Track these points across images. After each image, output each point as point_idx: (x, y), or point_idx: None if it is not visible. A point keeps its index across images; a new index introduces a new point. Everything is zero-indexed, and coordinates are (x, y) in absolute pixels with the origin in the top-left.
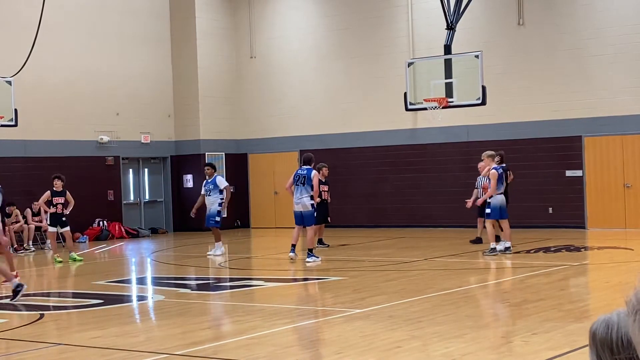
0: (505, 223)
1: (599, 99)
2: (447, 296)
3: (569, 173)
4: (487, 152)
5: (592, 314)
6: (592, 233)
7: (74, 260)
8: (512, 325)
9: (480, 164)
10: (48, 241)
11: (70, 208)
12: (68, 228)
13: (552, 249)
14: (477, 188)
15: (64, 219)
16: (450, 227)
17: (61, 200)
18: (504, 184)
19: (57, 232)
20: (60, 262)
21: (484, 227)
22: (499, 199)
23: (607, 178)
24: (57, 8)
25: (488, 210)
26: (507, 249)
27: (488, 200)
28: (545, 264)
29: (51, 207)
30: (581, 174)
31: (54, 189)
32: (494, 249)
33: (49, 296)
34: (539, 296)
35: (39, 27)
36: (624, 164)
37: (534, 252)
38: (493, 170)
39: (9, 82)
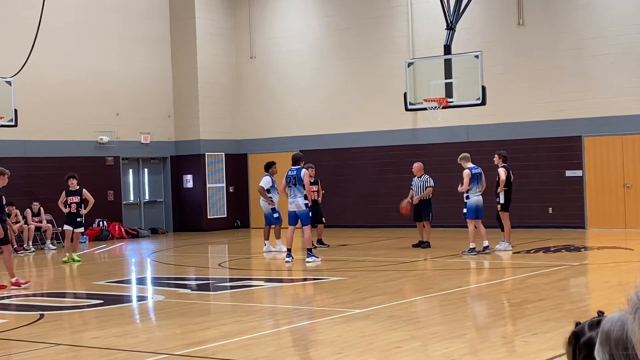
0: (479, 224)
1: (599, 99)
2: (447, 296)
3: (569, 173)
4: (463, 154)
5: (592, 314)
6: (592, 233)
7: (73, 260)
8: (512, 325)
9: (415, 165)
10: (48, 241)
11: (90, 207)
12: (81, 229)
13: (552, 249)
14: (412, 189)
15: (79, 219)
16: (450, 227)
17: (76, 199)
18: (479, 184)
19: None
20: (67, 262)
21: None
22: (475, 200)
23: (607, 178)
24: (57, 8)
25: (465, 210)
26: (485, 248)
27: (465, 200)
28: (545, 264)
29: (66, 207)
30: (581, 174)
31: (69, 188)
32: (472, 249)
33: (49, 296)
34: (539, 296)
35: (39, 27)
36: (624, 164)
37: (534, 252)
38: (466, 171)
39: (9, 82)
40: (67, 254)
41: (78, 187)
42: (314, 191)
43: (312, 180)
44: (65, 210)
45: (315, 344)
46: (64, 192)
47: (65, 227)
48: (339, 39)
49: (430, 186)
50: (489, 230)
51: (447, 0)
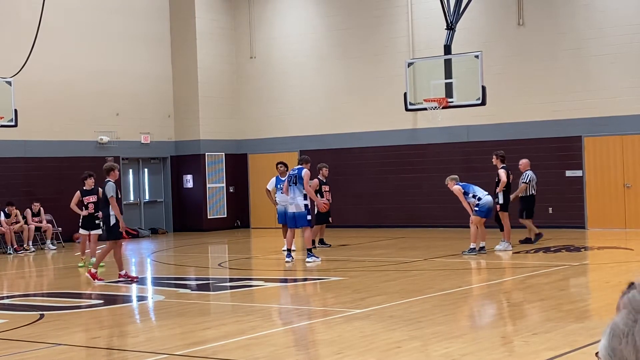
0: (482, 224)
1: (599, 99)
2: (447, 296)
3: (569, 173)
4: (450, 176)
5: (592, 314)
6: (592, 233)
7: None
8: (512, 325)
9: (522, 161)
10: (48, 241)
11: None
12: (99, 231)
13: (552, 249)
14: (526, 182)
15: (97, 221)
16: (450, 227)
17: (93, 199)
18: (476, 188)
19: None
20: (82, 266)
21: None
22: (487, 201)
23: (607, 178)
24: (57, 8)
25: (477, 209)
26: (481, 248)
27: (477, 202)
28: (545, 264)
29: (82, 208)
30: (581, 174)
31: (85, 188)
32: (473, 249)
33: (49, 296)
34: (539, 296)
35: (39, 27)
36: (624, 164)
37: (534, 252)
38: (456, 186)
39: (9, 82)
40: (83, 257)
41: (94, 187)
42: (326, 191)
43: (324, 181)
44: (83, 213)
45: (315, 344)
46: (77, 192)
47: (81, 231)
48: (339, 39)
49: (523, 182)
50: (488, 231)
51: (447, 0)
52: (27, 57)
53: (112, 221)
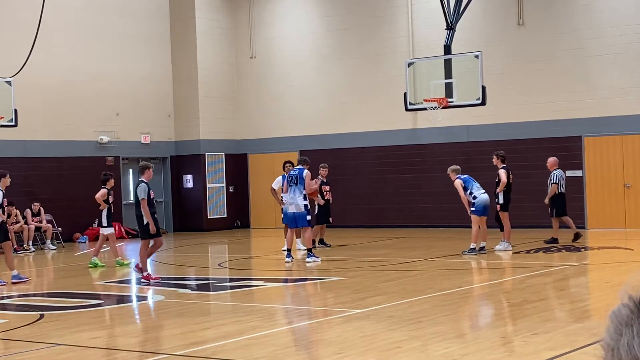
0: (483, 223)
1: (599, 99)
2: (447, 296)
3: (569, 173)
4: (451, 166)
5: (592, 314)
6: (592, 233)
7: (121, 264)
8: (512, 325)
9: (550, 160)
10: (48, 241)
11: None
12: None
13: (552, 249)
14: (555, 182)
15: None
16: (450, 227)
17: (112, 198)
18: (476, 183)
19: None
20: (122, 264)
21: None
22: (483, 199)
23: (607, 178)
24: (57, 8)
25: (473, 208)
26: (481, 248)
27: (472, 201)
28: (545, 264)
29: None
30: (581, 174)
31: (107, 187)
32: (473, 249)
33: (49, 296)
34: (539, 296)
35: (38, 27)
36: (624, 164)
37: (534, 252)
38: (457, 180)
39: (9, 82)
40: (119, 257)
41: (113, 185)
42: (326, 191)
43: (325, 180)
44: (102, 206)
45: (315, 344)
46: (104, 189)
47: (108, 230)
48: (339, 39)
49: (553, 183)
50: (489, 231)
51: (447, 0)
52: (27, 57)
53: (145, 221)
